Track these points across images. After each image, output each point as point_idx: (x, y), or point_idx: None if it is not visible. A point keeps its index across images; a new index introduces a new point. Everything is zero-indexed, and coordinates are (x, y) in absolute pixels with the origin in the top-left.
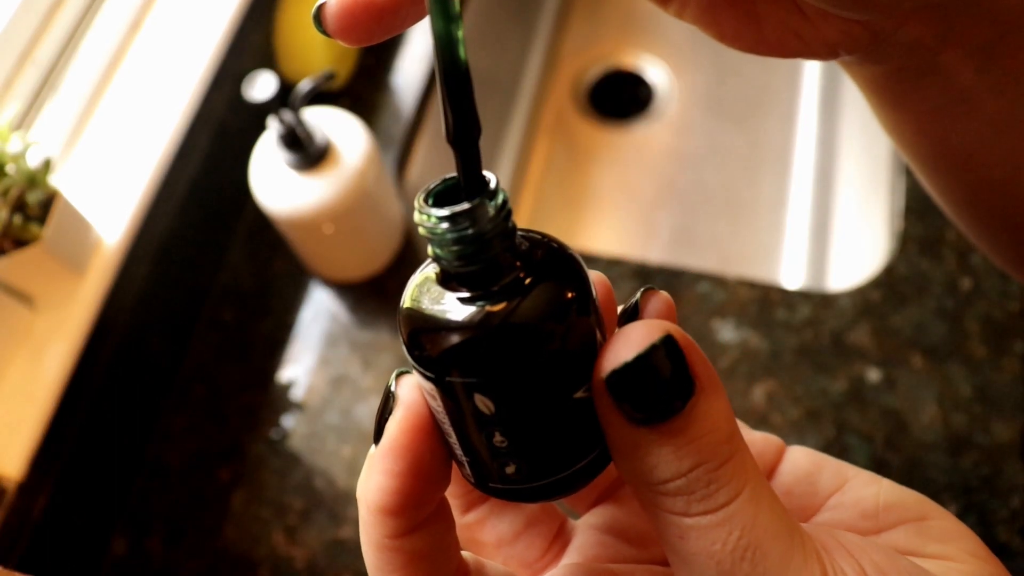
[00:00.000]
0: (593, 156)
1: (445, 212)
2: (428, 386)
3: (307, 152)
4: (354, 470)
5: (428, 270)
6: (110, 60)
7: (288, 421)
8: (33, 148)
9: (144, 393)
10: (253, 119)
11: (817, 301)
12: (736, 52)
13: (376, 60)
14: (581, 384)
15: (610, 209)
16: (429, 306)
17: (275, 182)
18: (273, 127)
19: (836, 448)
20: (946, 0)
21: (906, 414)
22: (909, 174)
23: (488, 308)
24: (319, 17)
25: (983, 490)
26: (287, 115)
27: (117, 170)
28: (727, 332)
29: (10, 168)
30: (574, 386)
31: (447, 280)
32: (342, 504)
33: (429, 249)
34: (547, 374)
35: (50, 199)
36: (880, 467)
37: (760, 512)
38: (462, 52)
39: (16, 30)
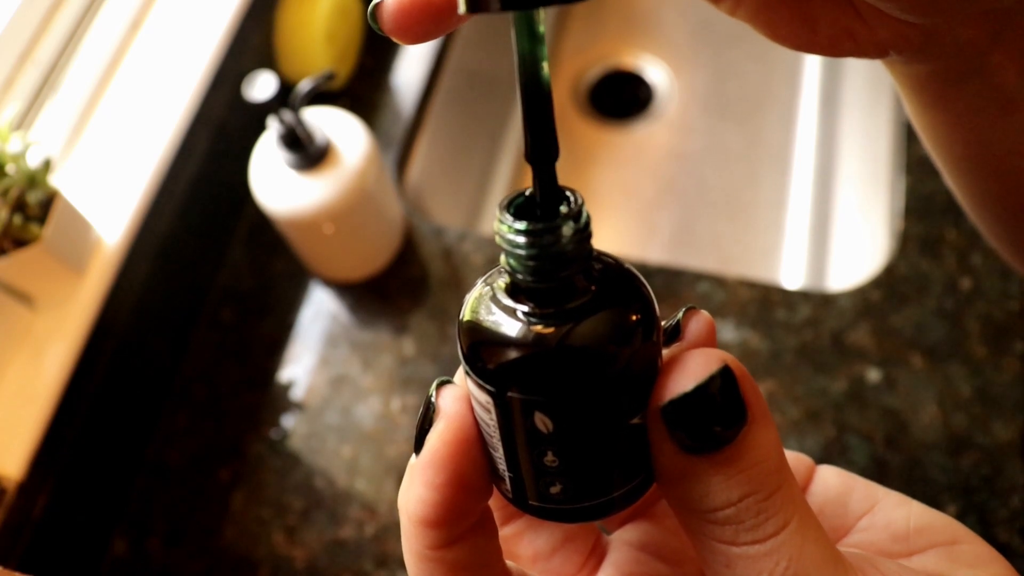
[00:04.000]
0: (593, 156)
1: (527, 226)
2: (484, 399)
3: (307, 152)
4: (354, 470)
5: (494, 282)
6: (110, 60)
7: (288, 421)
8: (33, 148)
9: (144, 393)
10: (253, 119)
11: (817, 301)
12: (736, 52)
13: (376, 60)
14: (639, 410)
15: (610, 209)
16: (494, 319)
17: (275, 182)
18: (273, 127)
19: (836, 448)
20: (1008, 2)
21: (906, 414)
22: (909, 174)
23: (559, 327)
24: (375, 15)
25: (983, 490)
26: (287, 115)
27: (117, 170)
28: (727, 332)
29: (10, 168)
30: (633, 412)
31: (516, 293)
32: (342, 504)
33: (502, 260)
34: (612, 398)
35: (50, 199)
36: (880, 467)
37: (807, 543)
38: (545, 71)
39: (16, 30)
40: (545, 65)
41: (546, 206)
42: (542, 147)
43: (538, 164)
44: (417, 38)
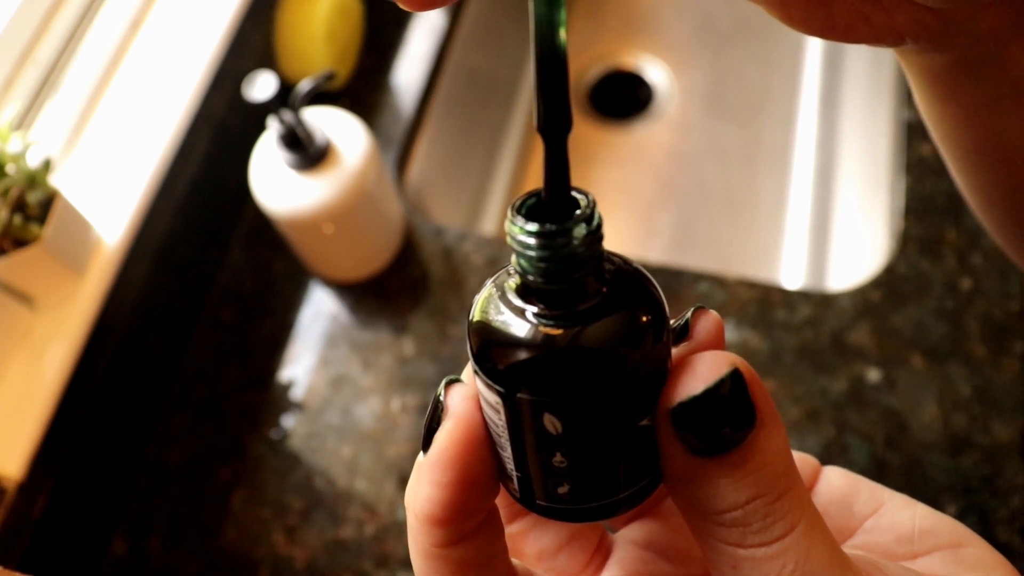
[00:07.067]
0: (593, 156)
1: (538, 228)
2: (493, 399)
3: (307, 152)
4: (354, 470)
5: (504, 282)
6: (110, 60)
7: (288, 421)
8: (33, 148)
9: (144, 393)
10: (253, 119)
11: (817, 301)
12: (736, 52)
13: (376, 60)
14: (649, 412)
15: (610, 209)
16: (504, 319)
17: (275, 182)
18: (273, 127)
19: (836, 448)
20: None
21: (906, 414)
22: (909, 174)
23: (570, 329)
24: None
25: (983, 490)
26: (287, 115)
27: (117, 170)
28: (727, 332)
29: (10, 168)
30: (642, 414)
31: (526, 294)
32: (342, 504)
33: (513, 260)
34: (621, 400)
35: (50, 199)
36: (880, 467)
37: (814, 546)
38: (562, 36)
39: (16, 30)
40: (562, 31)
41: (555, 185)
42: (555, 117)
43: (550, 135)
44: (425, 5)
